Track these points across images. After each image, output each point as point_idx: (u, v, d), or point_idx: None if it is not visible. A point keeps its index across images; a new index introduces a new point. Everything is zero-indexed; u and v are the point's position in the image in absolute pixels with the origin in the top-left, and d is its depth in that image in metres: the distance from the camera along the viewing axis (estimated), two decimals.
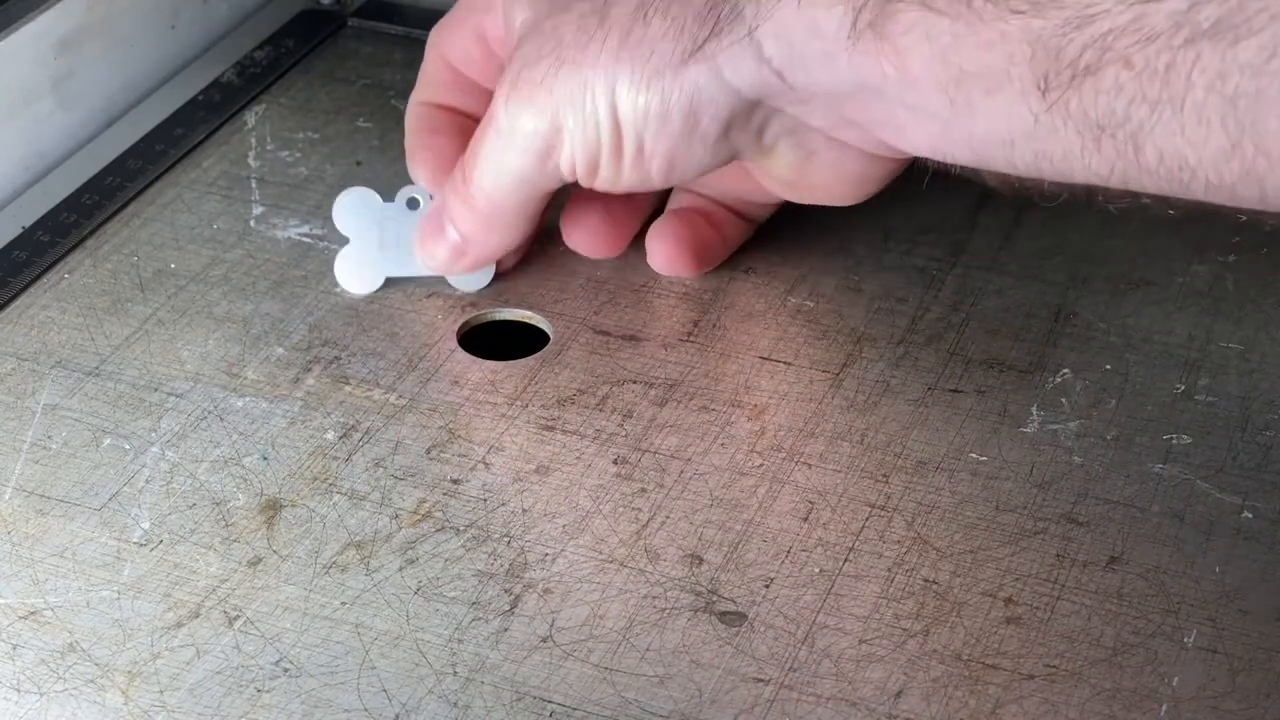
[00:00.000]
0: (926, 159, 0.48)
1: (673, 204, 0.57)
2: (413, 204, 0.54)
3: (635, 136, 0.48)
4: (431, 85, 0.56)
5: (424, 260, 0.54)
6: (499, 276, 0.56)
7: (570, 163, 0.50)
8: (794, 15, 0.45)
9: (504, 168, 0.51)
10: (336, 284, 0.55)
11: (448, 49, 0.56)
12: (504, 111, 0.50)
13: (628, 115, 0.48)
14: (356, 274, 0.55)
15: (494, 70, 0.54)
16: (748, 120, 0.48)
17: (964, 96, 0.44)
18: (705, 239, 0.56)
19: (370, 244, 0.54)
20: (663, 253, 0.55)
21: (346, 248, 0.55)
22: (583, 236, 0.56)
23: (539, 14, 0.50)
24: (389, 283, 0.55)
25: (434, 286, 0.55)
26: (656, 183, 0.50)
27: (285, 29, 0.70)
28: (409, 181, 0.55)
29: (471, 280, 0.55)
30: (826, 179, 0.51)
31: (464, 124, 0.55)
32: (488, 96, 0.52)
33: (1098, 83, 0.41)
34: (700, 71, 0.47)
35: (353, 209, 0.54)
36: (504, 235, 0.53)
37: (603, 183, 0.50)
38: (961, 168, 0.47)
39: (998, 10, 0.42)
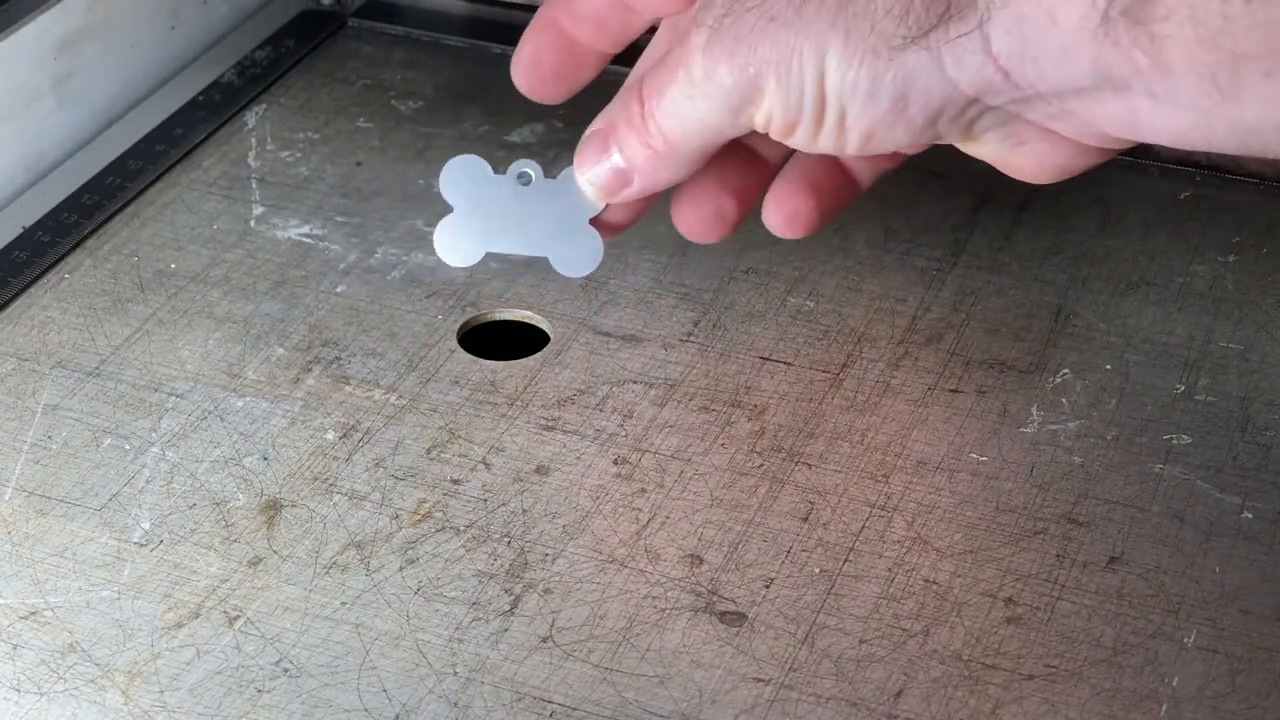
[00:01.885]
0: (1161, 145, 0.45)
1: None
2: (524, 179, 0.51)
3: (838, 108, 0.45)
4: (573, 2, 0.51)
5: (580, 180, 0.50)
6: (501, 276, 0.56)
7: (766, 120, 0.47)
8: (1032, 5, 0.42)
9: (691, 114, 0.47)
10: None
11: None
12: (699, 59, 0.46)
13: (834, 86, 0.45)
14: (458, 246, 0.51)
15: None
16: (959, 114, 0.45)
17: (1234, 82, 0.41)
18: (826, 196, 0.52)
19: (476, 216, 0.51)
20: (781, 213, 0.52)
21: (450, 217, 0.51)
22: (696, 223, 0.52)
23: None
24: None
25: (433, 287, 0.55)
26: (850, 152, 0.47)
27: (285, 29, 0.70)
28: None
29: (580, 263, 0.51)
30: (1028, 165, 0.48)
31: (578, 74, 0.51)
32: (630, 32, 0.50)
33: None
34: (920, 59, 0.43)
35: (461, 178, 0.51)
36: (675, 173, 0.50)
37: (796, 144, 0.48)
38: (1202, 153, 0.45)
39: None
